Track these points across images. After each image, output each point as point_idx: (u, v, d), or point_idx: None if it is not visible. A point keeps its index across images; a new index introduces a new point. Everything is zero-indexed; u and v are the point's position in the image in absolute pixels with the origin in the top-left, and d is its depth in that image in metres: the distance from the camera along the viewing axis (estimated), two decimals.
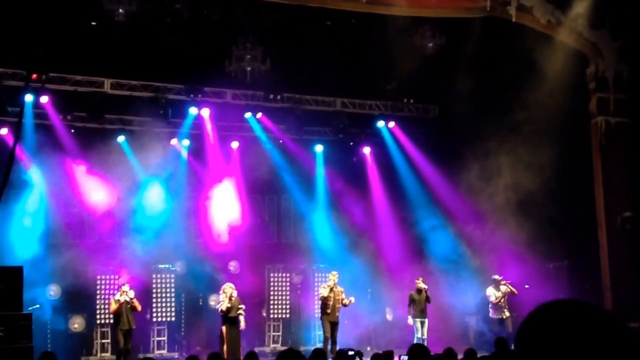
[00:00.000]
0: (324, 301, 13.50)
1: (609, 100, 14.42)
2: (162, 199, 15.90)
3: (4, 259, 13.61)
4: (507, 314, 14.16)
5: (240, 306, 12.79)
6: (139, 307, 13.04)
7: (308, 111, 16.60)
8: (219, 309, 12.66)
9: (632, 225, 13.94)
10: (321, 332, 16.25)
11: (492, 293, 14.11)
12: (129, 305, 12.77)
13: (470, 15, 14.26)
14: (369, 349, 15.45)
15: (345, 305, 13.79)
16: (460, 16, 14.38)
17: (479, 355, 7.42)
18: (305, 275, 17.08)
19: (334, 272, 13.81)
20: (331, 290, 13.46)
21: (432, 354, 6.46)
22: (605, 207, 14.23)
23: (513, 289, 14.09)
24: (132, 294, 12.90)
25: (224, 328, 12.53)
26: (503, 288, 14.08)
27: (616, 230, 14.08)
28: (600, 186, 14.35)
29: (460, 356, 7.54)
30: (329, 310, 13.45)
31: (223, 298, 12.64)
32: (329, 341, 13.40)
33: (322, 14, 13.93)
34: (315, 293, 16.61)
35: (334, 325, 13.51)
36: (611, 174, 14.32)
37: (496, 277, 14.15)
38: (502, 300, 14.14)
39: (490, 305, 14.30)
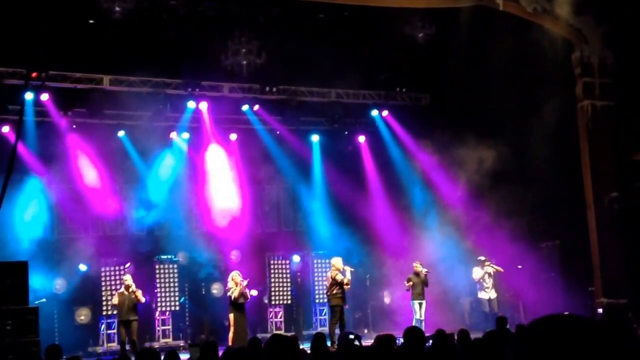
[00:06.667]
0: (341, 285, 12.97)
1: (595, 84, 14.79)
2: (163, 191, 16.21)
3: (9, 254, 13.85)
4: (495, 294, 14.64)
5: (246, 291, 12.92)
6: (142, 299, 12.97)
7: (304, 102, 16.87)
8: (232, 297, 12.60)
9: (620, 205, 14.32)
10: (322, 317, 16.76)
11: (478, 273, 14.67)
12: (132, 296, 12.79)
13: (458, 4, 14.59)
14: (366, 331, 15.93)
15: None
16: (449, 6, 14.71)
17: (473, 336, 7.75)
18: (305, 261, 17.50)
19: (338, 257, 13.54)
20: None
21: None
22: (593, 188, 14.59)
23: (498, 268, 14.65)
24: (130, 279, 12.96)
25: (232, 315, 12.66)
26: (488, 268, 14.62)
27: (604, 211, 14.43)
28: (587, 168, 14.74)
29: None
30: (342, 295, 13.04)
31: (232, 285, 12.71)
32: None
33: (315, 7, 14.23)
34: (316, 279, 17.06)
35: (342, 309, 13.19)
36: (598, 155, 14.67)
37: (481, 257, 14.76)
38: (488, 281, 14.65)
39: (478, 287, 14.81)
